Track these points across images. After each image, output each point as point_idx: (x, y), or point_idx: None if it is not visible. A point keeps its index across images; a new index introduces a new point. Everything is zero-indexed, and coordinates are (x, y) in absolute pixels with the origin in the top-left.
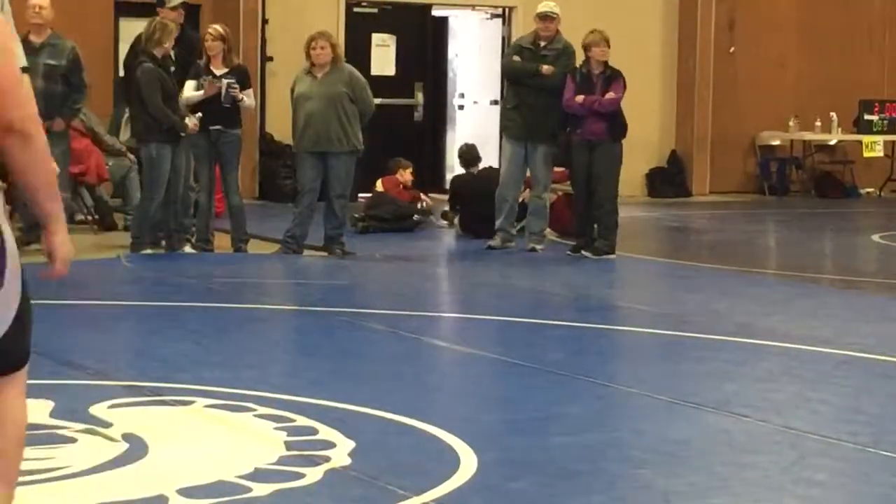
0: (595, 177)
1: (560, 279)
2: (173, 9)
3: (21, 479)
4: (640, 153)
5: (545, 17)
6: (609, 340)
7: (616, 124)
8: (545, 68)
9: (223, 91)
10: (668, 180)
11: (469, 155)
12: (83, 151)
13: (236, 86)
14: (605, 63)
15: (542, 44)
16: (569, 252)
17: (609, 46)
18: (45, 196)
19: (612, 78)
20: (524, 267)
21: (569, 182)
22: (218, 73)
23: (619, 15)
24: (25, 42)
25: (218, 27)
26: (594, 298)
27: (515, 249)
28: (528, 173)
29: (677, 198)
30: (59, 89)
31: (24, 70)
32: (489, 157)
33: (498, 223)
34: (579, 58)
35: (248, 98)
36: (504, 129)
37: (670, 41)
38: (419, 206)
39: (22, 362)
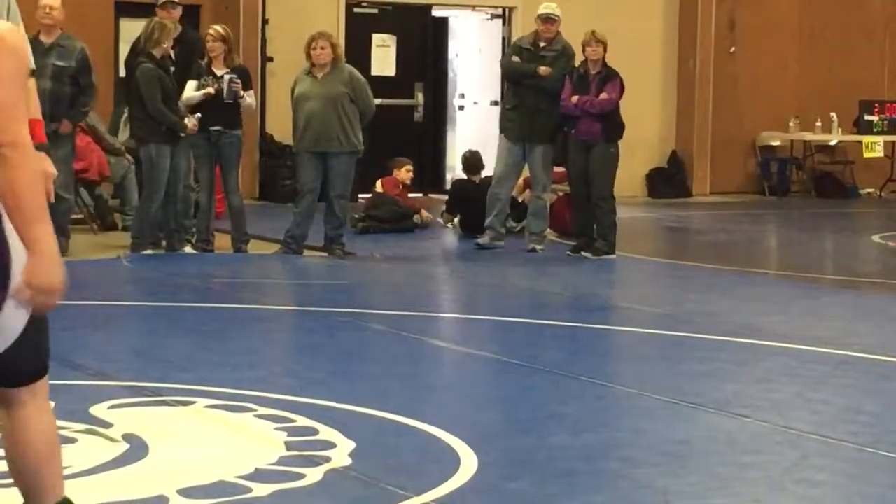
0: (590, 177)
1: (560, 279)
2: (161, 6)
3: None
4: (640, 153)
5: (547, 19)
6: (609, 341)
7: (611, 125)
8: (542, 69)
9: (225, 87)
10: (668, 180)
11: (472, 162)
12: (85, 148)
13: (238, 80)
14: (603, 63)
15: (542, 45)
16: (569, 252)
17: (603, 46)
18: (24, 221)
19: (608, 78)
20: (524, 267)
21: (574, 182)
22: (219, 73)
23: (619, 15)
24: (35, 42)
25: (219, 28)
26: (594, 299)
27: (515, 250)
28: (527, 173)
29: (678, 198)
30: (68, 90)
31: (31, 73)
32: (490, 158)
33: (488, 221)
34: (579, 59)
35: (248, 98)
36: (503, 130)
37: (671, 41)
38: (418, 219)
39: (38, 373)
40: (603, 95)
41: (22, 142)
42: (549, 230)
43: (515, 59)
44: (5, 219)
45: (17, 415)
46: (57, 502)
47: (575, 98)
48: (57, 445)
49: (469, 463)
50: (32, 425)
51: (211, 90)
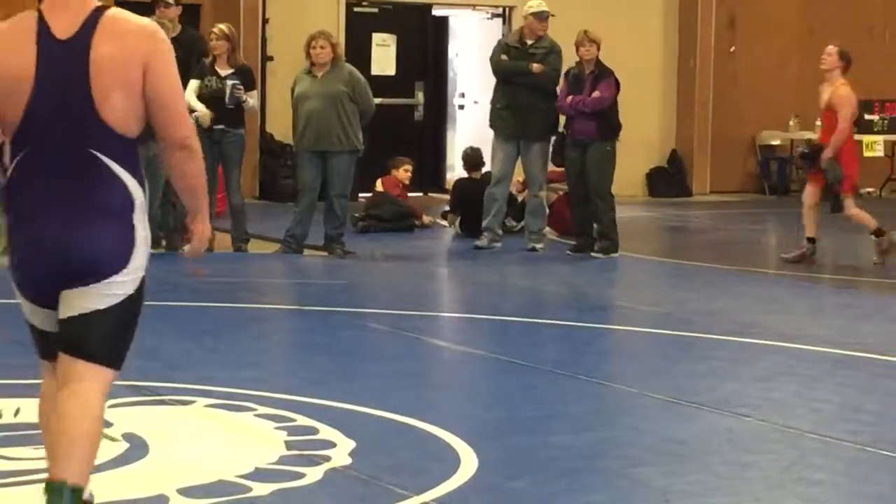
0: (587, 176)
1: (560, 279)
2: (156, 4)
3: (21, 478)
4: (640, 153)
5: (542, 17)
6: (609, 340)
7: (607, 123)
8: (535, 66)
9: (227, 92)
10: (668, 179)
11: (473, 159)
12: None
13: (240, 87)
14: (596, 62)
15: (530, 42)
16: (569, 252)
17: (596, 45)
18: (198, 197)
19: (601, 77)
20: (524, 266)
21: (573, 182)
22: (223, 73)
23: (619, 15)
24: None
25: (223, 27)
26: (594, 298)
27: (515, 249)
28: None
29: (677, 197)
30: None
31: None
32: (494, 159)
33: (486, 222)
34: (569, 57)
35: (251, 99)
36: (495, 129)
37: (670, 40)
38: (419, 222)
39: (107, 358)
40: (595, 94)
41: (193, 131)
42: (549, 229)
43: (504, 57)
44: (137, 208)
45: (74, 388)
46: (74, 486)
47: (569, 98)
48: (96, 437)
49: (469, 462)
50: (79, 402)
51: (204, 115)
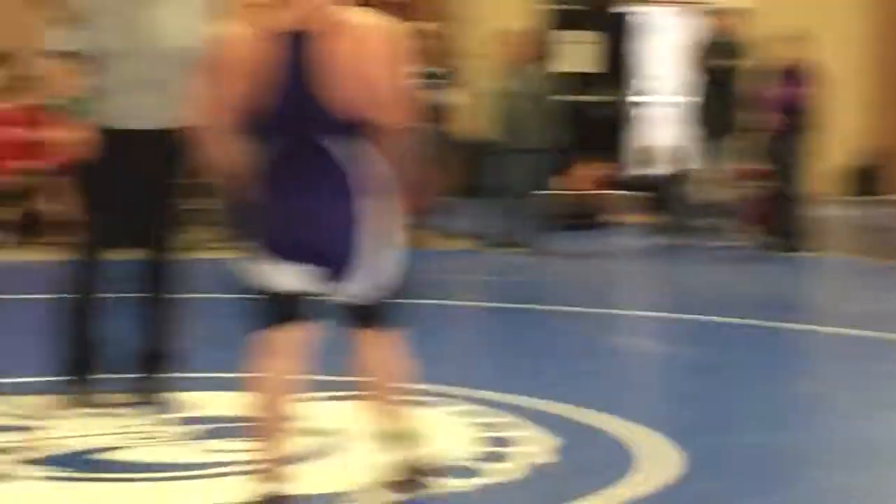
0: (785, 172)
1: (756, 277)
2: None
3: (226, 469)
4: (840, 150)
5: (736, 13)
6: (804, 339)
7: (804, 120)
8: (738, 63)
9: (430, 90)
10: (868, 177)
11: (666, 156)
12: None
13: (442, 84)
14: (797, 59)
15: (729, 39)
16: (767, 250)
17: (798, 42)
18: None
19: (802, 73)
20: (717, 265)
21: (767, 179)
22: (425, 71)
23: (819, 8)
24: None
25: (426, 25)
26: (790, 297)
27: (709, 247)
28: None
29: (878, 195)
30: None
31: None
32: (685, 156)
33: (703, 222)
34: (771, 53)
35: (453, 96)
36: (694, 126)
37: (871, 37)
38: (610, 220)
39: (387, 325)
40: (795, 90)
41: (406, 121)
42: (747, 227)
43: (708, 54)
44: (371, 192)
45: (371, 349)
46: (388, 431)
47: (769, 94)
48: (394, 384)
49: (664, 462)
50: (380, 356)
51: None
